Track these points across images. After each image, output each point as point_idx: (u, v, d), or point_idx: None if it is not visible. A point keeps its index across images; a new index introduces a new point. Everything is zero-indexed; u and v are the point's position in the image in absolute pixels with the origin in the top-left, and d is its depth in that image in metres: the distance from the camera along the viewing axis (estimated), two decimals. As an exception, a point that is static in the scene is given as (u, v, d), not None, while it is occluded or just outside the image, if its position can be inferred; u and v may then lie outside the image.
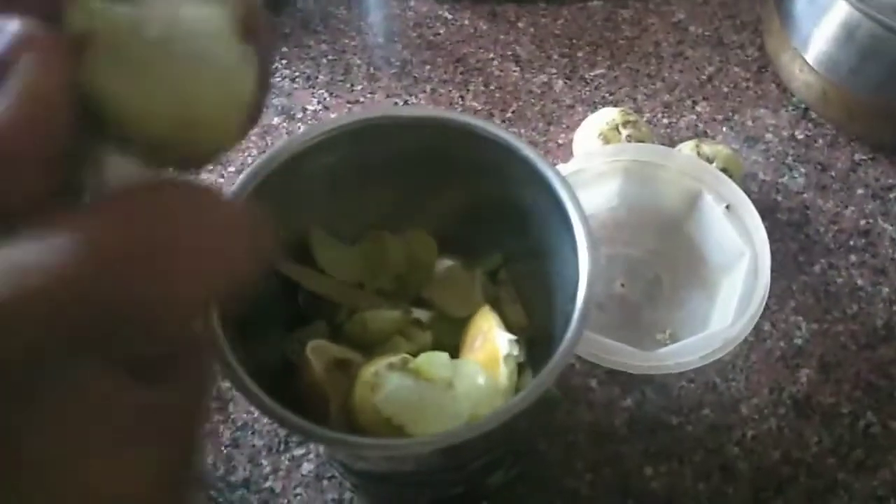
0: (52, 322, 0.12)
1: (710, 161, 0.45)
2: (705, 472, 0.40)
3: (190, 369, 0.16)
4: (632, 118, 0.47)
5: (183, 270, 0.14)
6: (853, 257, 0.47)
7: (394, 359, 0.29)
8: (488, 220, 0.36)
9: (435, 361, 0.29)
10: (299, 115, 0.53)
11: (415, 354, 0.31)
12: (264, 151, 0.52)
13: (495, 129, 0.31)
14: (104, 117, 0.15)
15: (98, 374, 0.14)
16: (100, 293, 0.13)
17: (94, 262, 0.13)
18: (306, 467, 0.39)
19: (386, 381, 0.28)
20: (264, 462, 0.40)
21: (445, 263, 0.37)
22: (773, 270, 0.40)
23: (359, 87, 0.54)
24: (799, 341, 0.44)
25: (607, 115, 0.47)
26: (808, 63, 0.50)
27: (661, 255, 0.46)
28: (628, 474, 0.40)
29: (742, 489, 0.39)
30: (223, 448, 0.40)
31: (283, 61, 0.56)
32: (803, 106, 0.53)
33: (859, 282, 0.46)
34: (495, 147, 0.31)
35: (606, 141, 0.46)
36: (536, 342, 0.35)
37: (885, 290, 0.46)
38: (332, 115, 0.53)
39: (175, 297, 0.14)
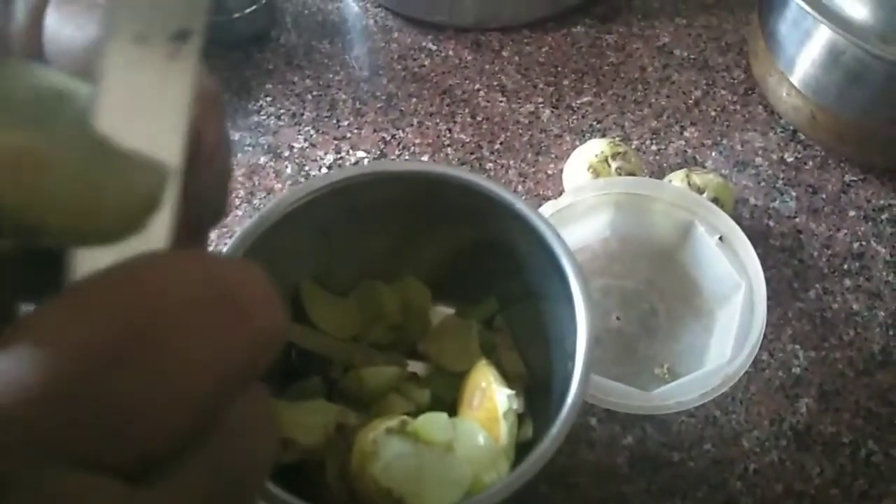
0: (19, 435, 0.10)
1: (700, 191, 0.45)
2: (709, 508, 0.39)
3: (213, 455, 0.13)
4: (621, 149, 0.46)
5: (180, 362, 0.12)
6: (847, 281, 0.47)
7: (392, 422, 0.28)
8: (481, 266, 0.35)
9: (434, 423, 0.29)
10: (286, 154, 0.52)
11: (414, 413, 0.31)
12: (251, 192, 0.51)
13: (487, 183, 0.31)
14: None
15: (76, 483, 0.11)
16: (76, 404, 0.11)
17: (63, 370, 0.11)
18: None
19: (384, 448, 0.27)
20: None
21: (441, 313, 0.36)
22: (768, 298, 0.40)
23: (345, 123, 0.54)
24: (797, 370, 0.43)
25: (596, 148, 0.47)
26: (794, 86, 0.50)
27: (656, 286, 0.46)
28: (632, 514, 0.39)
29: (747, 525, 0.39)
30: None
31: (268, 98, 0.55)
32: (792, 128, 0.53)
33: (855, 306, 0.46)
34: (487, 200, 0.31)
35: (596, 174, 0.46)
36: (535, 387, 0.35)
37: (881, 314, 0.45)
38: (319, 153, 0.52)
39: (174, 396, 0.12)
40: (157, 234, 0.13)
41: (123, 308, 0.11)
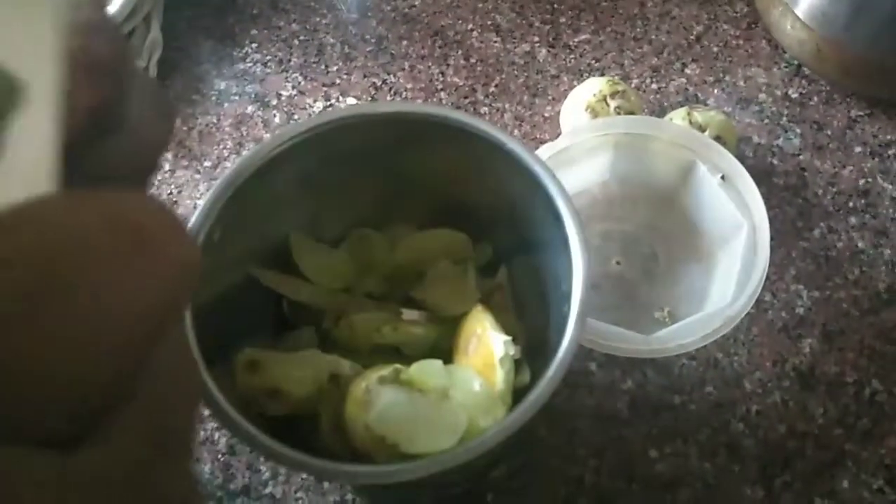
0: None
1: (702, 130, 0.43)
2: (711, 450, 0.39)
3: (144, 407, 0.12)
4: (620, 88, 0.45)
5: (92, 307, 0.10)
6: (853, 219, 0.46)
7: (385, 371, 0.28)
8: (476, 213, 0.34)
9: (428, 370, 0.28)
10: (274, 102, 0.51)
11: (409, 361, 0.30)
12: (240, 143, 0.50)
13: (477, 121, 0.30)
14: None
15: None
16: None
17: None
18: (305, 472, 0.39)
19: (377, 397, 0.26)
20: (263, 468, 0.39)
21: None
22: (771, 238, 0.39)
23: (334, 69, 0.52)
24: (800, 310, 0.43)
25: (594, 87, 0.45)
26: (799, 19, 0.48)
27: (657, 229, 0.45)
28: (633, 458, 0.39)
29: (749, 466, 0.39)
30: (220, 456, 0.39)
31: (254, 45, 0.53)
32: (796, 62, 0.51)
33: (860, 244, 0.45)
34: (479, 140, 0.30)
35: (594, 114, 0.44)
36: (533, 338, 0.34)
37: (887, 251, 0.44)
38: (308, 100, 0.51)
39: (92, 346, 0.10)
40: (30, 169, 0.11)
41: (15, 256, 0.10)
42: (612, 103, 0.44)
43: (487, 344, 0.30)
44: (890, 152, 0.48)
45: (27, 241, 0.10)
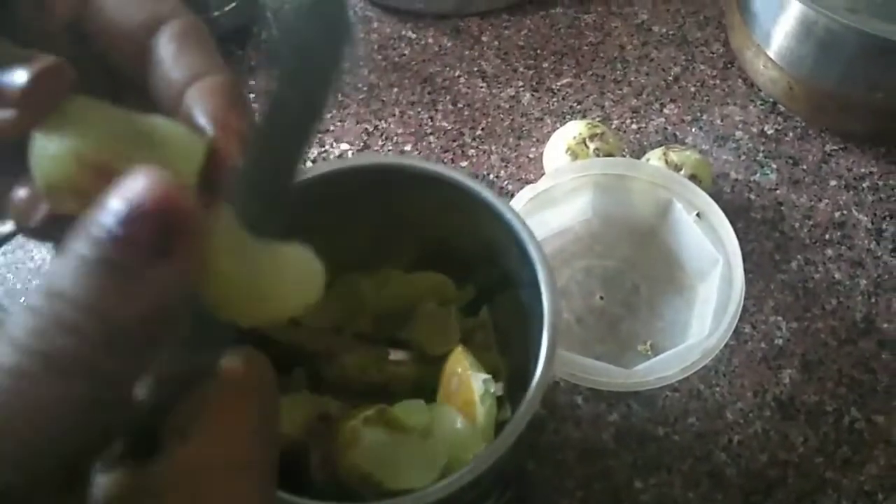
0: None
1: (678, 169, 0.45)
2: (694, 480, 0.40)
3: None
4: (598, 130, 0.47)
5: None
6: (829, 251, 0.47)
7: (370, 412, 0.29)
8: (458, 256, 0.36)
9: (411, 410, 0.30)
10: (270, 150, 0.53)
11: (396, 399, 0.31)
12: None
13: (454, 173, 0.32)
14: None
15: None
16: None
17: None
18: None
19: (363, 436, 0.28)
20: None
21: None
22: (749, 271, 0.41)
23: (328, 116, 0.54)
24: (780, 341, 0.44)
25: (574, 130, 0.47)
26: (771, 59, 0.50)
27: (638, 264, 0.46)
28: (618, 489, 0.40)
29: (731, 495, 0.40)
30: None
31: (251, 95, 0.56)
32: (771, 100, 0.53)
33: (837, 276, 0.46)
34: (456, 190, 0.32)
35: (575, 156, 0.46)
36: (516, 372, 0.36)
37: (863, 282, 0.46)
38: (304, 147, 0.53)
39: None
40: None
41: None
42: (592, 145, 0.46)
43: (468, 382, 0.31)
44: (864, 185, 0.50)
45: None
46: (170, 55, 0.18)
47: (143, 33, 0.19)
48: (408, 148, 0.52)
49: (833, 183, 0.50)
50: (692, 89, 0.54)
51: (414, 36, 0.58)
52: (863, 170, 0.50)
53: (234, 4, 0.57)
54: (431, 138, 0.53)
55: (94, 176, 0.15)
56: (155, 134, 0.16)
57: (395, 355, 0.35)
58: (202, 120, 0.18)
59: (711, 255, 0.42)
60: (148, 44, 0.19)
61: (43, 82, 0.15)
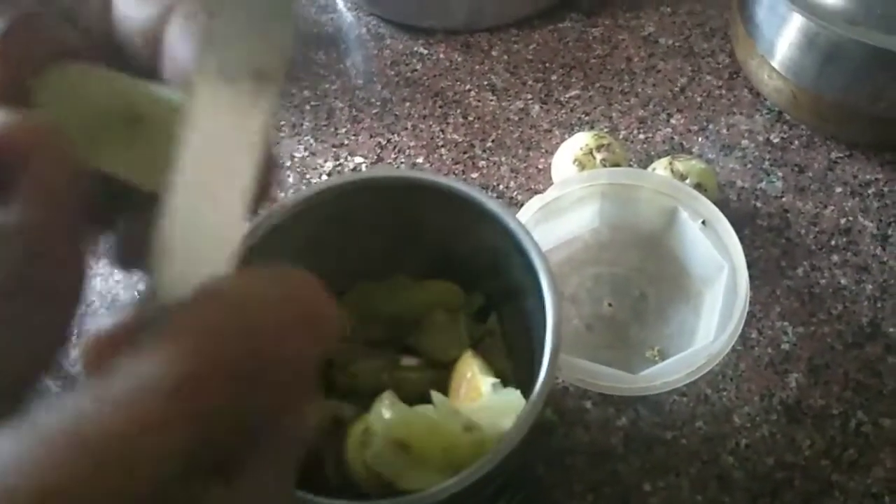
0: (170, 451, 0.12)
1: (683, 178, 0.46)
2: (702, 483, 0.41)
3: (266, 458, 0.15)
4: (605, 141, 0.48)
5: (287, 375, 0.14)
6: (835, 257, 0.48)
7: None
8: (467, 265, 0.37)
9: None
10: (287, 164, 0.55)
11: (407, 404, 0.33)
12: (256, 203, 0.54)
13: (462, 186, 0.33)
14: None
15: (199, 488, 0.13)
16: (218, 415, 0.13)
17: (206, 384, 0.12)
18: None
19: (374, 438, 0.29)
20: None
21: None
22: (756, 277, 0.41)
23: (343, 131, 0.56)
24: (786, 346, 0.45)
25: (581, 141, 0.48)
26: (775, 69, 0.51)
27: (646, 271, 0.47)
28: (628, 492, 0.41)
29: (739, 497, 0.40)
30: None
31: (268, 111, 0.58)
32: (777, 109, 0.54)
33: (843, 281, 0.47)
34: (464, 202, 0.33)
35: (582, 166, 0.47)
36: (525, 377, 0.37)
37: (869, 287, 0.46)
38: (319, 160, 0.55)
39: (285, 402, 0.14)
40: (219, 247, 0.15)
41: (225, 326, 0.13)
42: (598, 156, 0.47)
43: (477, 387, 0.32)
44: (870, 191, 0.50)
45: (231, 314, 0.13)
46: (177, 37, 0.18)
47: (156, 25, 0.18)
48: (420, 160, 0.54)
49: (839, 190, 0.50)
50: (698, 99, 0.55)
51: (426, 52, 0.60)
52: (868, 176, 0.51)
53: None
54: (443, 151, 0.54)
55: None
56: (142, 106, 0.17)
57: (406, 361, 0.36)
58: None
59: (717, 261, 0.43)
60: (160, 34, 0.18)
61: (18, 30, 0.16)
